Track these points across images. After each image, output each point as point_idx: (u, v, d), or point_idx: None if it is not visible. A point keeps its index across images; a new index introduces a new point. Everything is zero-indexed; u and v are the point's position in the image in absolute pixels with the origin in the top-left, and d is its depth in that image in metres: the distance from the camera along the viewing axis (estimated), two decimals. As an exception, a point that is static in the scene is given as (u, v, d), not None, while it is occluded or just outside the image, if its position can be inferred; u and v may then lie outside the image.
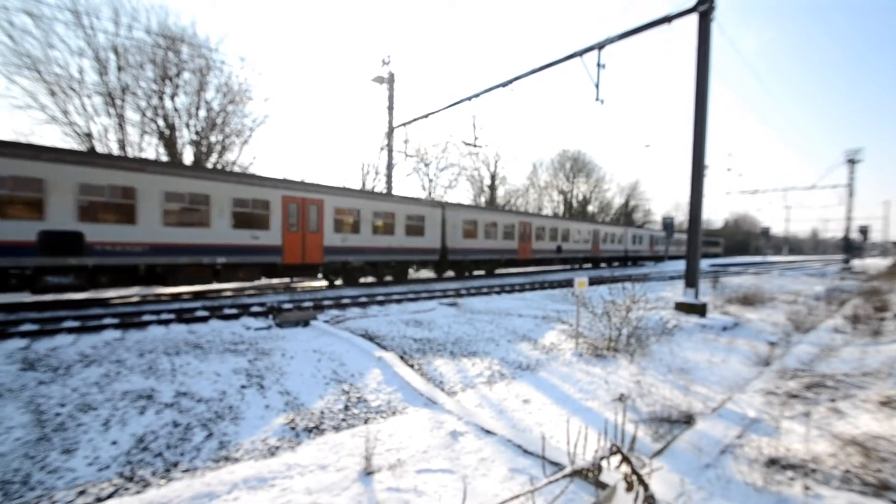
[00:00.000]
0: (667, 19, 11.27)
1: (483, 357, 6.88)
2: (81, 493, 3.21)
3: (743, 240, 78.96)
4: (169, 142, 23.91)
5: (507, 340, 7.85)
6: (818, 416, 4.45)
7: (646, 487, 2.82)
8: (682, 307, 11.07)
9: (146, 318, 8.34)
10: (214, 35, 43.70)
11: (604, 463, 3.08)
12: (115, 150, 22.27)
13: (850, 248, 41.05)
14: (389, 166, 23.64)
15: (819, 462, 3.44)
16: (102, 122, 22.16)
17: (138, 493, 3.24)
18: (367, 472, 3.41)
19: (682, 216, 59.26)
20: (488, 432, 4.18)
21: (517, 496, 2.58)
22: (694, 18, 10.82)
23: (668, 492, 3.05)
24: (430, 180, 41.34)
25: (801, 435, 3.94)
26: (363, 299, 11.56)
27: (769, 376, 5.94)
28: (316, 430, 4.38)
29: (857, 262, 43.06)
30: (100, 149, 21.75)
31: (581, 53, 13.16)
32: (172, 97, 23.64)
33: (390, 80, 22.68)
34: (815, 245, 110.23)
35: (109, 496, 3.20)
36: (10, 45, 19.38)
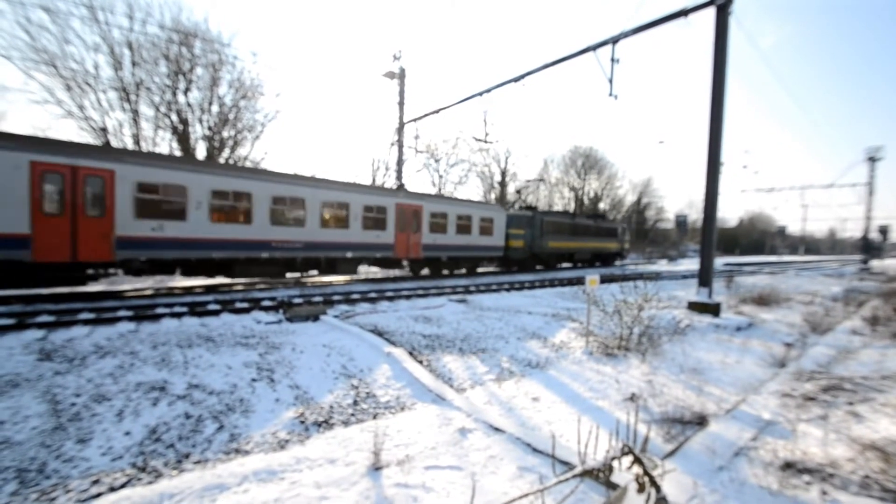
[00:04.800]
0: (683, 13, 11.04)
1: (492, 354, 6.85)
2: (95, 482, 3.26)
3: (758, 239, 77.65)
4: (182, 137, 24.19)
5: (516, 338, 7.81)
6: (836, 419, 4.35)
7: (658, 489, 2.78)
8: (695, 306, 10.91)
9: (159, 311, 8.45)
10: (227, 30, 44.01)
11: (615, 463, 3.04)
12: (130, 145, 22.60)
13: (869, 248, 40.07)
14: (400, 162, 23.64)
15: (837, 467, 3.35)
16: (117, 116, 22.54)
17: (150, 483, 3.28)
18: (376, 468, 3.41)
19: (695, 214, 58.44)
20: (497, 430, 4.15)
21: (526, 495, 2.56)
22: (711, 12, 10.59)
23: (680, 494, 3.00)
24: (441, 176, 41.36)
25: (818, 439, 3.86)
26: (373, 295, 11.60)
27: (785, 378, 5.83)
28: (325, 424, 4.39)
29: (875, 263, 42.13)
30: (114, 143, 22.08)
31: (595, 48, 12.98)
32: (186, 92, 23.90)
33: (401, 75, 22.62)
34: (832, 245, 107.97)
35: (122, 486, 3.24)
36: (28, 40, 19.76)
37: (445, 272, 19.31)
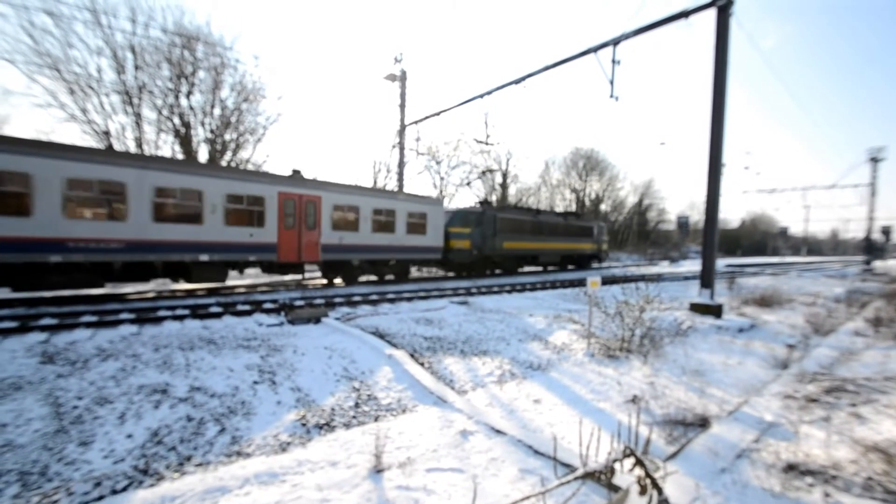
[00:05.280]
0: (684, 14, 11.06)
1: (493, 356, 6.84)
2: (97, 484, 3.27)
3: (760, 240, 77.42)
4: (184, 140, 24.27)
5: (517, 340, 7.80)
6: (838, 421, 4.33)
7: (660, 491, 2.77)
8: (698, 308, 10.89)
9: (161, 313, 8.47)
10: (229, 34, 44.13)
11: (617, 465, 3.03)
12: (133, 149, 22.69)
13: (872, 248, 39.89)
14: (401, 164, 23.68)
15: (840, 469, 3.34)
16: (120, 120, 22.63)
17: (152, 486, 3.29)
18: (377, 470, 3.41)
19: (697, 215, 58.28)
20: (499, 432, 4.15)
21: (528, 497, 2.56)
22: (712, 13, 10.60)
23: (682, 496, 2.99)
24: (442, 178, 41.36)
25: (821, 440, 3.84)
26: (374, 297, 11.60)
27: (787, 379, 5.81)
28: (326, 426, 4.40)
29: (878, 264, 41.93)
30: (117, 147, 22.17)
31: (596, 49, 13.01)
32: (188, 95, 23.98)
33: (402, 77, 22.68)
34: (834, 246, 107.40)
35: (124, 489, 3.25)
36: (31, 44, 19.88)
37: (373, 278, 16.22)
